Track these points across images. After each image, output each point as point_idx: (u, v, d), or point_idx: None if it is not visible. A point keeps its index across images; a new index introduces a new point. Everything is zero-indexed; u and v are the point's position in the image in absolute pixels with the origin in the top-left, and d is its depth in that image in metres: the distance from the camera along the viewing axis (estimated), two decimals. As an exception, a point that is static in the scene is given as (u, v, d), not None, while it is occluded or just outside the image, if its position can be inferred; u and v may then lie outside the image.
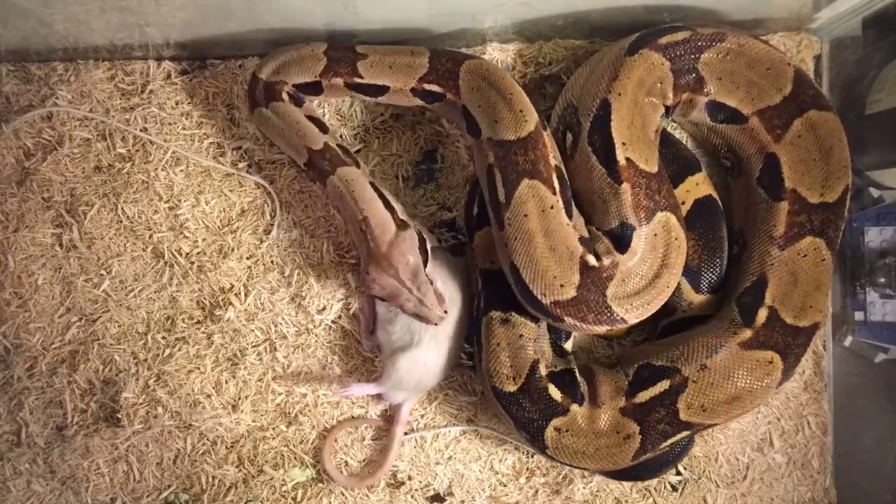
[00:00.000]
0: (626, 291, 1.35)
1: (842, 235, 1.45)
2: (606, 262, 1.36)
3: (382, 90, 1.51)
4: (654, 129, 1.43)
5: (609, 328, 1.37)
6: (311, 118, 1.52)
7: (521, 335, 1.45)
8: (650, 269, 1.36)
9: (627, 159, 1.35)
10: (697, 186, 1.54)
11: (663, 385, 1.39)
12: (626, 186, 1.35)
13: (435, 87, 1.46)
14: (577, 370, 1.47)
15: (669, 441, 1.41)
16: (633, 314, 1.35)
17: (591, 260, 1.35)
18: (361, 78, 1.49)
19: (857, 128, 1.46)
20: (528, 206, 1.35)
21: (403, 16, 1.50)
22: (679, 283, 1.50)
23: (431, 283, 1.39)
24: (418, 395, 1.61)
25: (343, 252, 1.66)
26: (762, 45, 1.45)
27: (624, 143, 1.35)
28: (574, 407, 1.42)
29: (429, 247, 1.44)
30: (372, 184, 1.45)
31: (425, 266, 1.39)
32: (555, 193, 1.36)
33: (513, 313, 1.46)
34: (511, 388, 1.44)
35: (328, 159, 1.46)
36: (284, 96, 1.51)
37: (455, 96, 1.45)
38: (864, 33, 1.58)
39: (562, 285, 1.33)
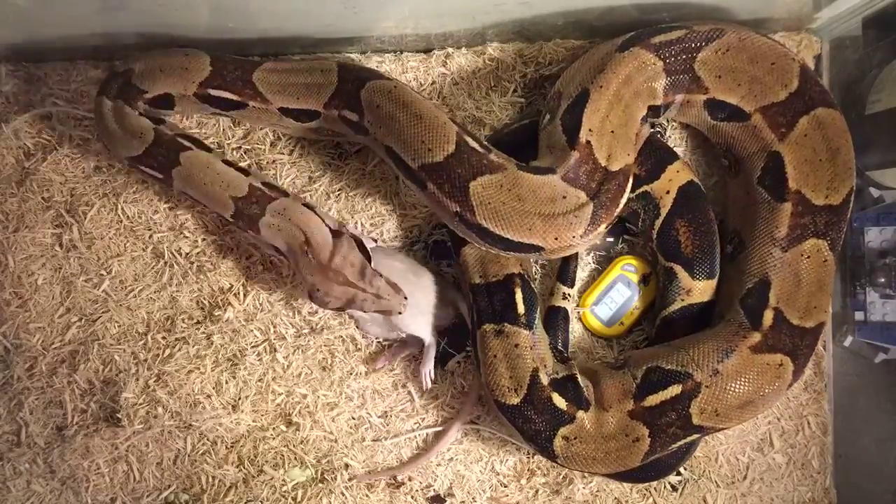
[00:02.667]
0: (492, 194, 1.32)
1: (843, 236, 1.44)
2: (493, 156, 1.36)
3: (168, 99, 1.49)
4: (636, 130, 1.42)
5: (457, 210, 1.33)
6: (228, 163, 1.48)
7: (517, 344, 1.44)
8: (530, 206, 1.33)
9: (588, 142, 1.35)
10: (678, 174, 1.53)
11: (674, 390, 1.37)
12: (575, 154, 1.35)
13: (228, 95, 1.46)
14: (578, 375, 1.46)
15: (679, 443, 1.41)
16: (483, 215, 1.33)
17: (473, 142, 1.36)
18: (147, 93, 1.48)
19: (857, 128, 1.46)
20: (375, 98, 1.38)
21: (404, 15, 1.50)
22: (675, 272, 1.51)
23: (381, 275, 1.42)
24: (438, 309, 1.58)
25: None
26: (765, 40, 1.43)
27: (590, 130, 1.35)
28: (580, 413, 1.41)
29: (368, 246, 1.47)
30: (304, 204, 1.46)
31: (369, 262, 1.43)
32: (391, 79, 1.43)
33: (505, 324, 1.45)
34: (514, 400, 1.42)
35: (256, 202, 1.44)
36: (186, 142, 1.47)
37: (262, 102, 1.46)
38: (864, 33, 1.58)
39: (430, 150, 1.33)
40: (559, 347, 1.56)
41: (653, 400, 1.38)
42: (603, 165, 1.36)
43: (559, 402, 1.41)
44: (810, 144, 1.40)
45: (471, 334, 1.54)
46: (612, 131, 1.37)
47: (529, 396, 1.41)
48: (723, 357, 1.38)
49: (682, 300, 1.53)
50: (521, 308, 1.46)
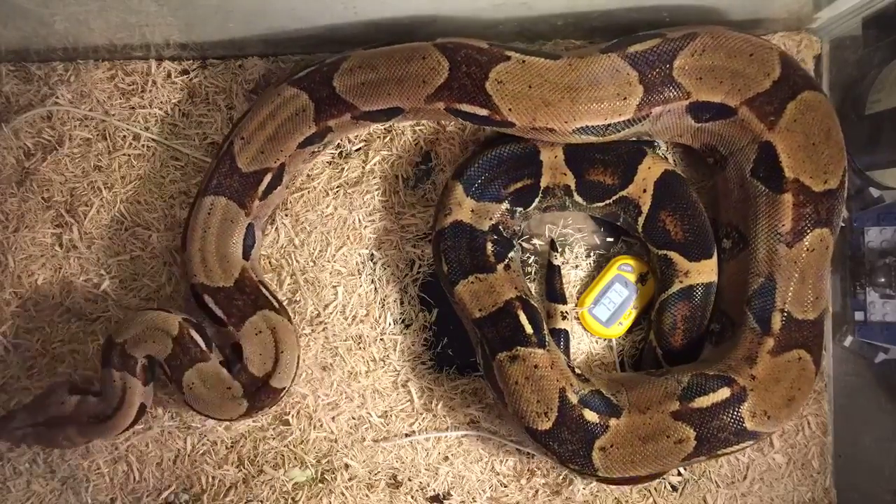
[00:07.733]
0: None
1: (842, 233, 1.44)
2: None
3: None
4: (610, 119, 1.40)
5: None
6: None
7: (536, 365, 1.41)
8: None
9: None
10: (650, 170, 1.51)
11: (724, 392, 1.37)
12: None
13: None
14: (602, 389, 1.44)
15: (730, 449, 1.41)
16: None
17: None
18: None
19: (857, 128, 1.46)
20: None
21: (403, 15, 1.50)
22: (671, 257, 1.52)
23: None
24: None
25: (335, 252, 1.66)
26: (739, 34, 1.41)
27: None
28: (612, 421, 1.39)
29: None
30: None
31: None
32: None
33: (517, 348, 1.42)
34: (546, 424, 1.39)
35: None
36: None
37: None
38: (864, 33, 1.58)
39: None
40: (575, 370, 1.54)
41: (703, 402, 1.37)
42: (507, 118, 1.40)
43: (591, 416, 1.39)
44: (801, 129, 1.38)
45: (484, 371, 1.51)
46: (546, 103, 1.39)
47: (561, 417, 1.38)
48: (752, 363, 1.39)
49: (681, 282, 1.52)
50: (528, 329, 1.44)
